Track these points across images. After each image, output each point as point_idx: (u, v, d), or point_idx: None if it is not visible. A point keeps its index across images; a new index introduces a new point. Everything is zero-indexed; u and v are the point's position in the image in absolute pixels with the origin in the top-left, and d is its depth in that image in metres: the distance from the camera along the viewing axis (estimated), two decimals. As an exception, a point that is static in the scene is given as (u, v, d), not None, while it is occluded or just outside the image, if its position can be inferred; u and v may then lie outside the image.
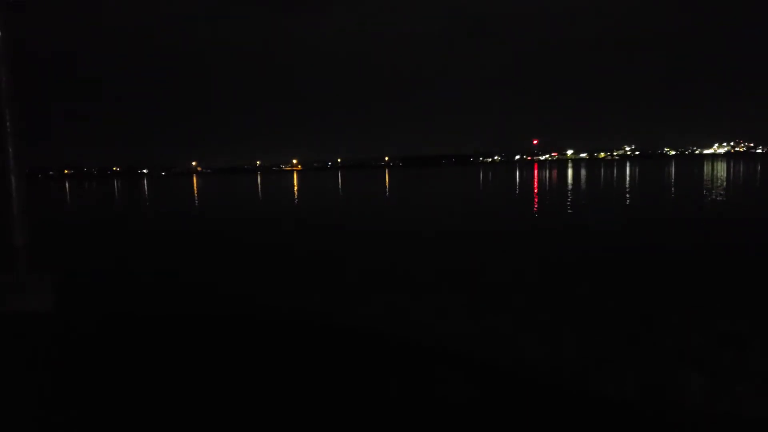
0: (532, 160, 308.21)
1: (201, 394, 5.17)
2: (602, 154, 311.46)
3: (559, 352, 6.72)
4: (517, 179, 64.65)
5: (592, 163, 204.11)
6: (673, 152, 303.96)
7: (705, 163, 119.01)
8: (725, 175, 54.29)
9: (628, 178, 55.22)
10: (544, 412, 4.99)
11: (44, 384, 5.51)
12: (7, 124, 8.11)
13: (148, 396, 5.14)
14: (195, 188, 76.49)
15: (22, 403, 5.04)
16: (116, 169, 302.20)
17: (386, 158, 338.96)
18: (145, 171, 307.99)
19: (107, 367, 5.96)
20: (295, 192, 53.42)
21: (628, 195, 33.41)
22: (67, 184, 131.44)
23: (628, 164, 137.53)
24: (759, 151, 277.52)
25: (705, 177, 50.52)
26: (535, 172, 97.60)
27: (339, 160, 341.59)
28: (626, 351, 6.71)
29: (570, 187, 43.78)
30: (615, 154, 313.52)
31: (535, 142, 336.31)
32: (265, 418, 4.69)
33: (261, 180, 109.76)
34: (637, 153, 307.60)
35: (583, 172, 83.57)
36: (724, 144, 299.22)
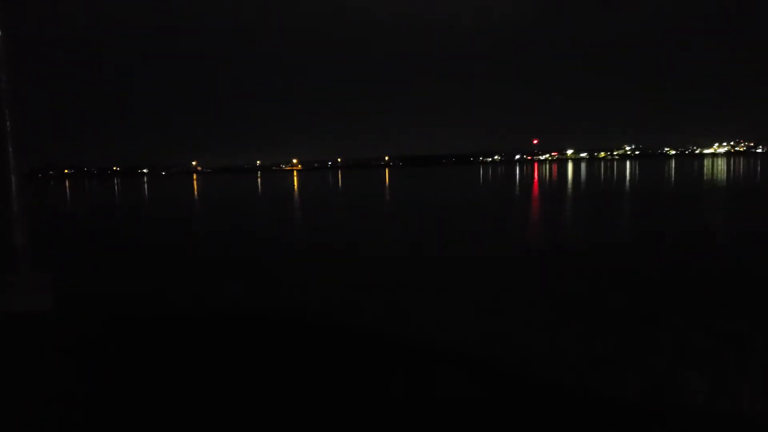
0: (532, 159, 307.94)
1: (203, 393, 5.17)
2: (602, 154, 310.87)
3: (559, 352, 6.71)
4: (517, 176, 64.58)
5: (592, 162, 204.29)
6: (673, 152, 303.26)
7: (705, 161, 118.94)
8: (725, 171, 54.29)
9: (628, 174, 55.18)
10: (545, 412, 4.99)
11: (44, 383, 5.50)
12: (7, 124, 8.09)
13: (148, 394, 5.13)
14: (195, 188, 76.35)
15: (22, 402, 5.04)
16: (116, 169, 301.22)
17: (386, 158, 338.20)
18: (145, 171, 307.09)
19: (107, 366, 5.96)
20: (296, 193, 53.31)
21: (629, 192, 33.37)
22: (67, 183, 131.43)
23: (628, 162, 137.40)
24: (759, 150, 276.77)
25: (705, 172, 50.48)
26: (535, 170, 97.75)
27: (339, 160, 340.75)
28: (627, 351, 6.71)
29: (570, 183, 43.71)
30: (615, 153, 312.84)
31: (535, 141, 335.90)
32: (267, 417, 4.68)
33: (261, 180, 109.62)
34: (637, 153, 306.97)
35: (583, 169, 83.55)
36: (724, 144, 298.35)
